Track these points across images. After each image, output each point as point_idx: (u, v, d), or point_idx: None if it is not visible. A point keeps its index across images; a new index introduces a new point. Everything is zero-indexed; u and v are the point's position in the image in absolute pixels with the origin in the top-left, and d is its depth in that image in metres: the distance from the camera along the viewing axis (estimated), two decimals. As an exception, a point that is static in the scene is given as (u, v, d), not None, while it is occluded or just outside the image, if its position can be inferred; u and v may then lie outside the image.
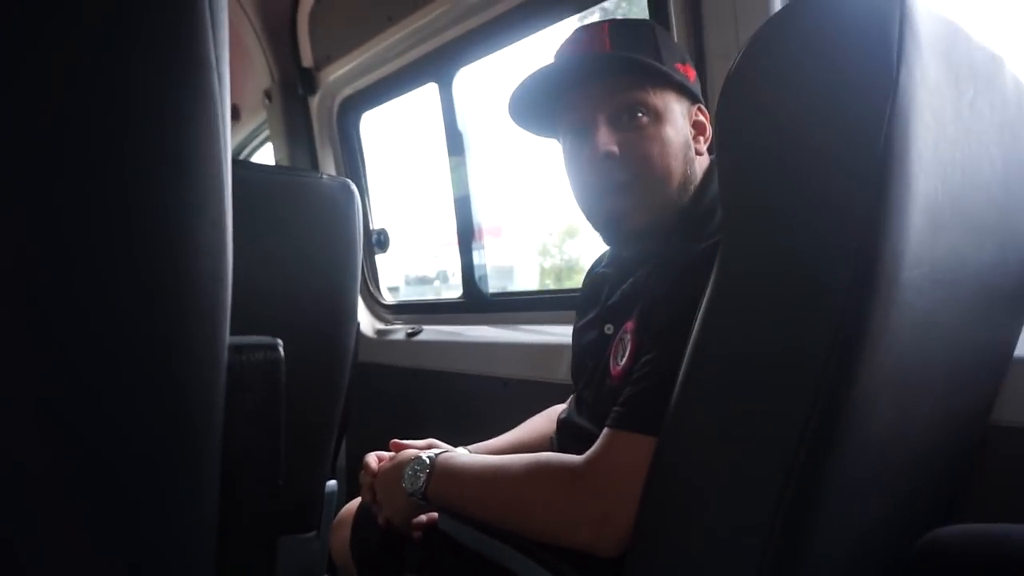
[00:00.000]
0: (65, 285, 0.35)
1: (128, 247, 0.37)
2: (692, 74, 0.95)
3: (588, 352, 1.00)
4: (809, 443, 0.58)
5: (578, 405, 1.04)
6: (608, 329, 0.95)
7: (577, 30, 0.94)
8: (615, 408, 0.80)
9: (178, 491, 0.45)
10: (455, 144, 2.02)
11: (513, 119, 0.99)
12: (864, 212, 0.54)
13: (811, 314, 0.58)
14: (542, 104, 0.95)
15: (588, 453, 0.79)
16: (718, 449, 0.65)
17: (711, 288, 0.65)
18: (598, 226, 0.96)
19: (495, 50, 1.85)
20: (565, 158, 0.96)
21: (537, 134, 1.02)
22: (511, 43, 1.79)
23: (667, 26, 1.28)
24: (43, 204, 0.34)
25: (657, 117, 0.89)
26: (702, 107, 0.96)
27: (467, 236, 2.04)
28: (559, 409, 1.20)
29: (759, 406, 0.62)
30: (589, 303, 1.08)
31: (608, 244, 1.01)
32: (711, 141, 0.96)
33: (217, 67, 0.38)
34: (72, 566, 0.40)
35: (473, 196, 2.04)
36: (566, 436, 1.02)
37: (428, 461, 0.92)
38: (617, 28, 0.91)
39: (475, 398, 1.81)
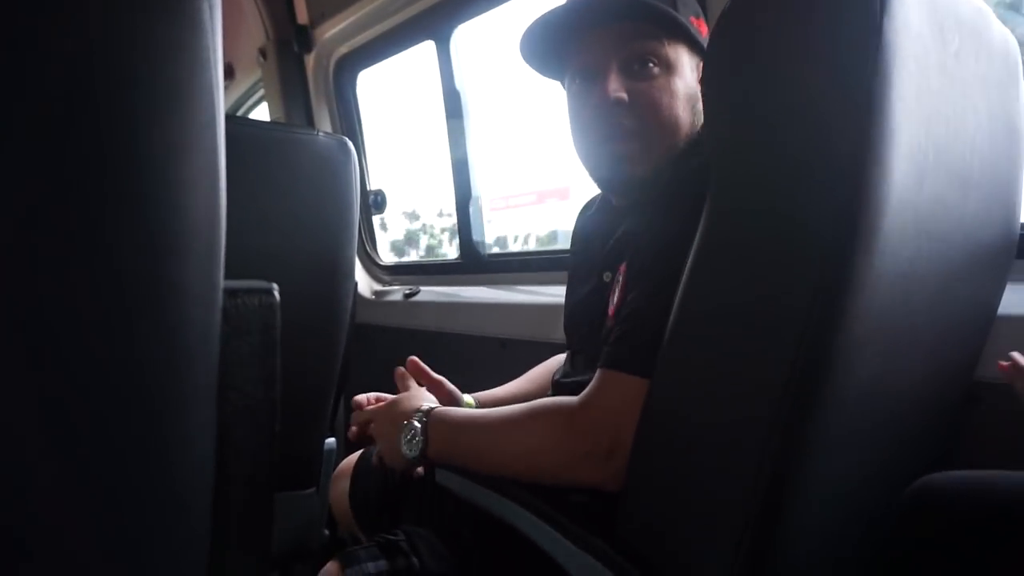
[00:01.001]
0: (59, 217, 0.35)
1: (117, 183, 0.36)
2: (704, 29, 0.94)
3: (584, 304, 1.00)
4: (794, 391, 0.60)
5: (573, 361, 1.05)
6: (606, 277, 0.95)
7: None
8: (606, 348, 0.81)
9: (172, 436, 0.45)
10: (453, 104, 2.00)
11: (522, 54, 0.98)
12: (848, 159, 0.55)
13: (795, 261, 0.59)
14: (553, 43, 0.94)
15: (583, 393, 0.81)
16: (706, 394, 0.67)
17: (699, 235, 0.66)
18: (600, 170, 0.95)
19: (493, 6, 1.83)
20: (570, 101, 0.95)
21: (543, 74, 1.01)
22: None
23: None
24: (36, 141, 0.34)
25: (668, 68, 0.89)
26: None
27: (464, 197, 2.04)
28: (559, 360, 1.21)
29: (745, 352, 0.63)
30: (580, 254, 1.09)
31: (607, 190, 1.01)
32: None
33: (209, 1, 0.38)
34: (64, 512, 0.40)
35: (471, 157, 2.03)
36: (561, 395, 1.02)
37: (420, 425, 0.92)
38: None
39: (473, 358, 1.82)
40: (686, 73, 0.91)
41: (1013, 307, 0.87)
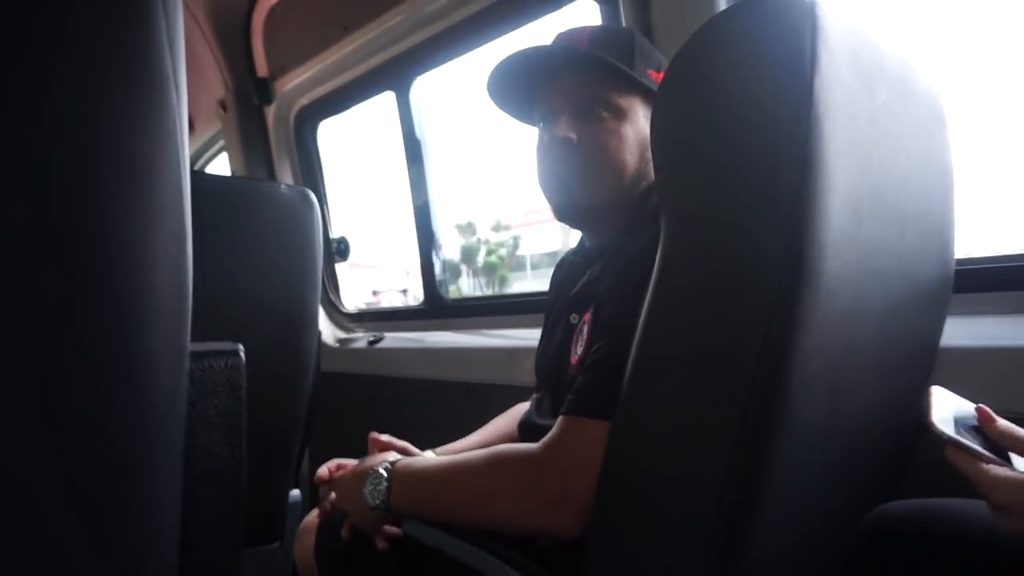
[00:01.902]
0: (23, 297, 0.35)
1: (88, 261, 0.36)
2: (659, 77, 0.99)
3: (554, 344, 1.03)
4: (749, 431, 0.62)
5: (539, 405, 1.06)
6: (573, 319, 0.98)
7: (561, 32, 1.00)
8: (569, 396, 0.82)
9: (140, 500, 0.44)
10: (413, 151, 2.04)
11: (492, 100, 1.05)
12: (788, 207, 0.58)
13: (744, 306, 0.61)
14: (520, 91, 1.01)
15: (544, 439, 0.82)
16: (665, 438, 0.68)
17: (653, 283, 0.68)
18: (551, 198, 1.01)
19: (451, 58, 1.88)
20: (534, 146, 1.02)
21: (516, 118, 1.08)
22: (467, 51, 1.82)
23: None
24: (1, 215, 0.34)
25: (619, 114, 0.94)
26: None
27: (427, 242, 2.06)
28: (522, 408, 1.22)
29: (702, 396, 0.65)
30: (554, 301, 1.12)
31: (562, 219, 1.04)
32: None
33: (174, 78, 0.39)
34: (29, 569, 0.40)
35: (432, 202, 2.05)
36: (528, 438, 1.03)
37: (386, 473, 0.93)
38: (598, 31, 0.97)
39: (439, 404, 1.82)
40: (638, 121, 0.95)
41: (953, 339, 0.91)
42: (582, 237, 1.10)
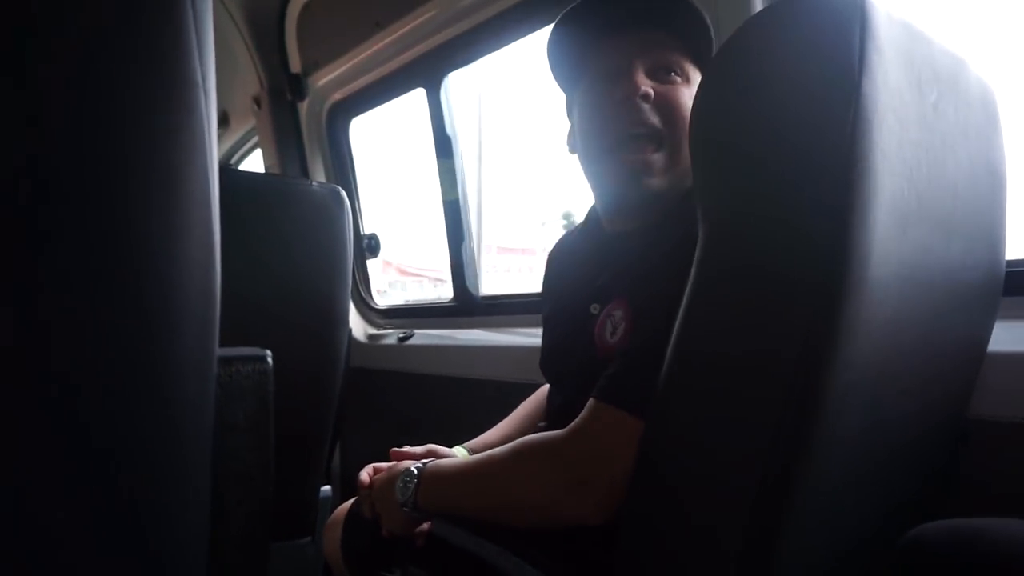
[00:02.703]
0: (53, 306, 0.36)
1: (117, 268, 0.37)
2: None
3: (571, 337, 0.97)
4: (784, 440, 0.60)
5: (561, 400, 1.02)
6: (594, 309, 0.93)
7: None
8: (601, 380, 0.79)
9: (167, 505, 0.45)
10: (444, 148, 2.03)
11: (548, 51, 0.96)
12: (831, 212, 0.56)
13: (783, 313, 0.59)
14: (577, 45, 0.92)
15: (570, 425, 0.80)
16: (698, 440, 0.67)
17: (690, 285, 0.66)
18: (614, 182, 0.90)
19: (483, 55, 1.86)
20: (587, 105, 0.92)
21: (558, 79, 0.99)
22: (499, 48, 1.81)
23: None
24: (30, 227, 0.34)
25: (687, 81, 0.89)
26: None
27: (457, 239, 2.05)
28: (545, 388, 1.20)
29: (737, 399, 0.63)
30: (560, 288, 1.07)
31: (616, 207, 0.95)
32: None
33: (203, 84, 0.39)
34: (60, 573, 0.40)
35: (463, 199, 2.05)
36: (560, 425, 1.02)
37: (416, 472, 0.92)
38: None
39: (467, 401, 1.82)
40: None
41: (1002, 344, 0.88)
42: (594, 219, 1.02)
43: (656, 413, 0.71)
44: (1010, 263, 0.86)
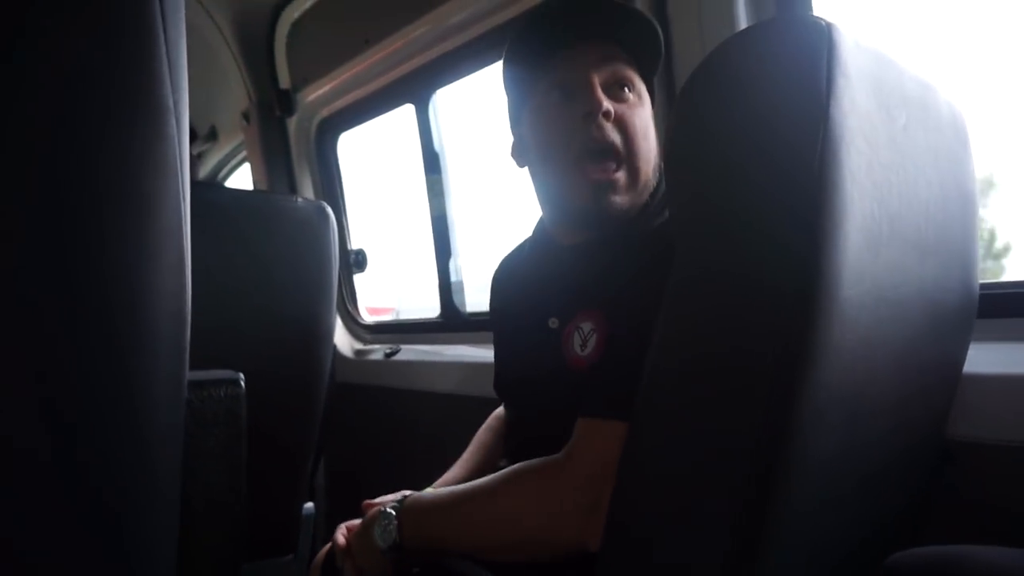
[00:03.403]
0: (19, 329, 0.35)
1: (86, 294, 0.37)
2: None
3: (531, 355, 0.95)
4: (758, 464, 0.60)
5: (524, 419, 0.99)
6: (552, 323, 0.90)
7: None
8: (590, 398, 0.78)
9: (136, 530, 0.44)
10: (432, 164, 2.04)
11: (505, 69, 0.94)
12: (802, 234, 0.56)
13: (757, 334, 0.60)
14: (534, 52, 0.90)
15: (568, 446, 0.77)
16: (671, 468, 0.66)
17: (665, 303, 0.67)
18: (576, 198, 0.87)
19: (471, 72, 1.88)
20: (544, 118, 0.89)
21: (511, 96, 0.97)
22: (487, 65, 1.82)
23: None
24: (5, 247, 0.34)
25: (640, 99, 0.89)
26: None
27: (444, 255, 2.06)
28: (498, 414, 1.17)
29: (712, 421, 0.63)
30: (511, 304, 1.05)
31: (576, 223, 0.92)
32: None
33: (175, 110, 0.39)
34: None
35: (450, 215, 2.06)
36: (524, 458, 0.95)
37: (394, 512, 0.87)
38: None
39: (454, 417, 1.81)
40: (649, 110, 0.91)
41: (978, 366, 0.88)
42: (542, 233, 1.00)
43: (631, 436, 0.71)
44: (984, 286, 0.87)
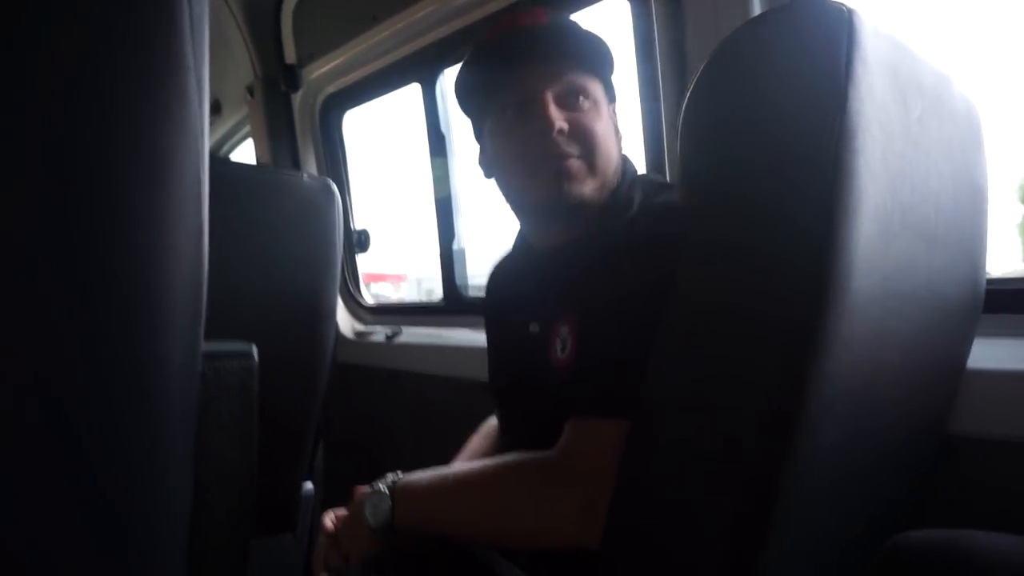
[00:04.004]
0: (40, 293, 0.35)
1: (105, 256, 0.36)
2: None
3: (512, 359, 0.98)
4: (765, 452, 0.60)
5: (510, 421, 1.01)
6: (533, 328, 0.93)
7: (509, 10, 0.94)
8: (576, 399, 0.79)
9: (148, 500, 0.44)
10: (437, 145, 2.03)
11: (456, 89, 0.98)
12: (815, 222, 0.56)
13: (765, 324, 0.60)
14: (484, 77, 0.93)
15: (559, 445, 0.78)
16: (681, 456, 0.66)
17: (673, 294, 0.66)
18: (539, 194, 0.90)
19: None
20: (497, 135, 0.93)
21: (466, 112, 1.01)
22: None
23: (650, 31, 1.30)
24: (16, 210, 0.34)
25: (595, 105, 0.91)
26: (614, 109, 0.98)
27: (447, 238, 2.05)
28: (493, 423, 1.17)
29: (718, 413, 0.63)
30: (500, 310, 1.08)
31: (546, 218, 0.95)
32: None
33: (196, 69, 0.38)
34: (42, 565, 0.40)
35: (455, 197, 2.05)
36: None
37: (387, 490, 0.87)
38: (560, 20, 0.93)
39: (453, 401, 1.81)
40: (606, 112, 0.93)
41: (981, 361, 0.88)
42: (523, 239, 1.03)
43: (637, 427, 0.71)
44: (990, 280, 0.87)
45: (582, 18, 1.57)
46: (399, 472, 0.92)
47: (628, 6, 1.41)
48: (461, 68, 0.95)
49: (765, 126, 0.58)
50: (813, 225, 0.56)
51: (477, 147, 1.03)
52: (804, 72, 0.56)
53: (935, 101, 0.67)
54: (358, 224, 2.37)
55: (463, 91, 0.98)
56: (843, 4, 0.56)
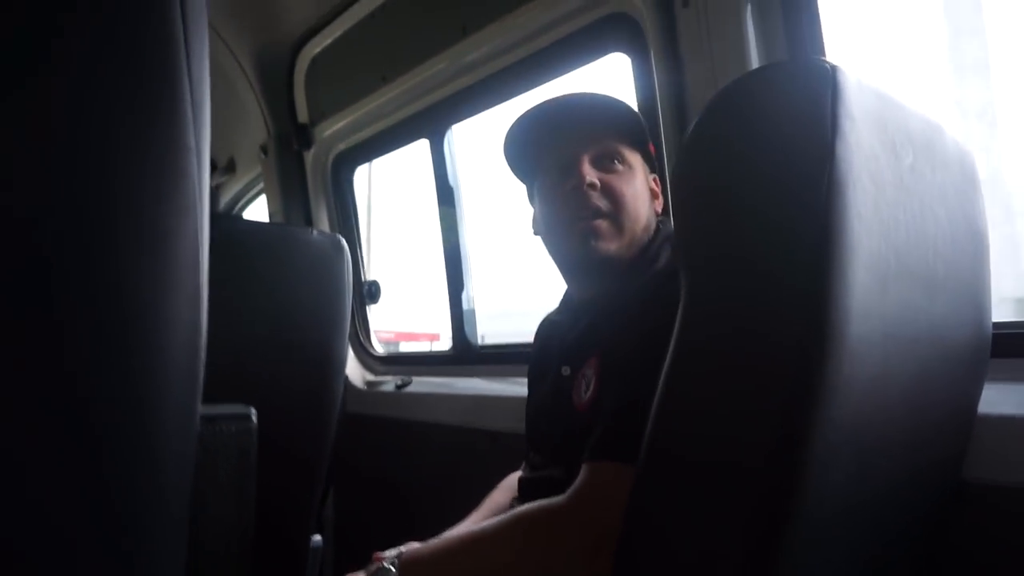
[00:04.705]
0: (34, 361, 0.36)
1: (102, 328, 0.37)
2: (652, 149, 1.08)
3: (544, 402, 1.03)
4: (770, 498, 0.60)
5: (534, 460, 1.03)
6: (565, 371, 0.98)
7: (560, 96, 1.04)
8: (591, 441, 0.80)
9: (145, 563, 0.44)
10: (446, 197, 2.06)
11: (506, 154, 1.09)
12: (809, 272, 0.57)
13: (765, 372, 0.60)
14: (528, 143, 1.04)
15: (571, 488, 0.79)
16: (681, 509, 0.66)
17: (673, 344, 0.67)
18: (570, 251, 1.00)
19: (485, 108, 1.91)
20: (542, 196, 1.04)
21: (518, 176, 1.11)
22: (500, 102, 1.85)
23: (651, 87, 1.34)
24: (17, 287, 0.35)
25: (630, 169, 1.00)
26: (656, 178, 1.07)
27: (456, 287, 2.07)
28: (514, 478, 1.18)
29: (722, 461, 0.63)
30: (540, 357, 1.13)
31: (576, 271, 1.05)
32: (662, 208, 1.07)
33: (197, 148, 0.40)
34: None
35: (464, 248, 2.07)
36: (529, 494, 0.99)
37: (393, 567, 0.88)
38: (601, 96, 1.02)
39: (464, 451, 1.80)
40: (641, 177, 1.01)
41: (994, 407, 0.87)
42: (567, 294, 1.11)
43: (642, 468, 0.70)
44: (997, 325, 0.86)
45: (585, 74, 1.63)
46: (402, 548, 0.92)
47: (628, 62, 1.45)
48: (508, 133, 1.06)
49: (756, 180, 0.60)
50: (807, 273, 0.57)
51: (531, 209, 1.12)
52: (792, 127, 0.58)
53: (926, 149, 0.68)
54: (375, 276, 2.40)
55: (513, 156, 1.08)
56: (827, 61, 0.58)
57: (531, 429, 1.10)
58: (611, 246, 0.96)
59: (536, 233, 1.11)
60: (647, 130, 1.06)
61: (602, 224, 0.96)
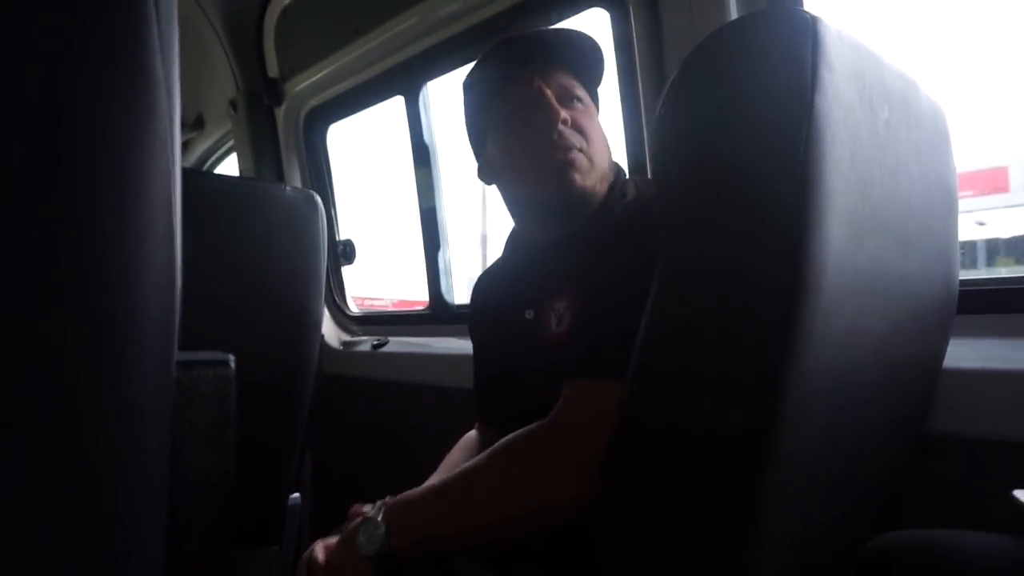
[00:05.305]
0: (4, 305, 0.35)
1: (72, 269, 0.36)
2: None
3: (504, 343, 1.01)
4: (745, 452, 0.61)
5: (502, 412, 1.01)
6: (529, 314, 0.96)
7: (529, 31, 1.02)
8: (572, 363, 0.80)
9: (122, 513, 0.44)
10: (421, 156, 2.04)
11: (465, 94, 1.05)
12: (787, 225, 0.57)
13: (741, 324, 0.61)
14: (489, 79, 1.00)
15: (555, 410, 0.79)
16: (659, 458, 0.67)
17: (652, 297, 0.67)
18: (548, 183, 0.94)
19: (461, 64, 1.87)
20: (509, 134, 0.98)
21: (473, 126, 1.07)
22: (476, 58, 1.81)
23: (629, 39, 1.32)
24: None
25: (587, 108, 0.99)
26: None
27: (433, 247, 2.06)
28: (472, 436, 1.18)
29: (698, 410, 0.64)
30: (488, 315, 1.10)
31: (543, 213, 1.00)
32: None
33: (166, 82, 0.39)
34: None
35: (440, 207, 2.06)
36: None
37: (380, 517, 0.84)
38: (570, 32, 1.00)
39: (441, 410, 1.81)
40: (597, 116, 1.01)
41: (956, 361, 0.90)
42: (516, 241, 1.09)
43: (620, 426, 0.71)
44: (963, 282, 0.88)
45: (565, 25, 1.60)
46: (388, 497, 0.89)
47: (607, 16, 1.43)
48: (465, 84, 1.03)
49: (735, 130, 0.60)
50: (784, 225, 0.57)
51: (477, 161, 1.08)
52: (772, 78, 0.57)
53: (902, 105, 0.68)
54: (343, 235, 2.38)
55: (470, 98, 1.04)
56: (807, 12, 0.57)
57: (482, 380, 1.07)
58: (588, 180, 0.94)
59: (489, 182, 1.06)
60: (602, 66, 1.03)
61: (579, 156, 0.93)
